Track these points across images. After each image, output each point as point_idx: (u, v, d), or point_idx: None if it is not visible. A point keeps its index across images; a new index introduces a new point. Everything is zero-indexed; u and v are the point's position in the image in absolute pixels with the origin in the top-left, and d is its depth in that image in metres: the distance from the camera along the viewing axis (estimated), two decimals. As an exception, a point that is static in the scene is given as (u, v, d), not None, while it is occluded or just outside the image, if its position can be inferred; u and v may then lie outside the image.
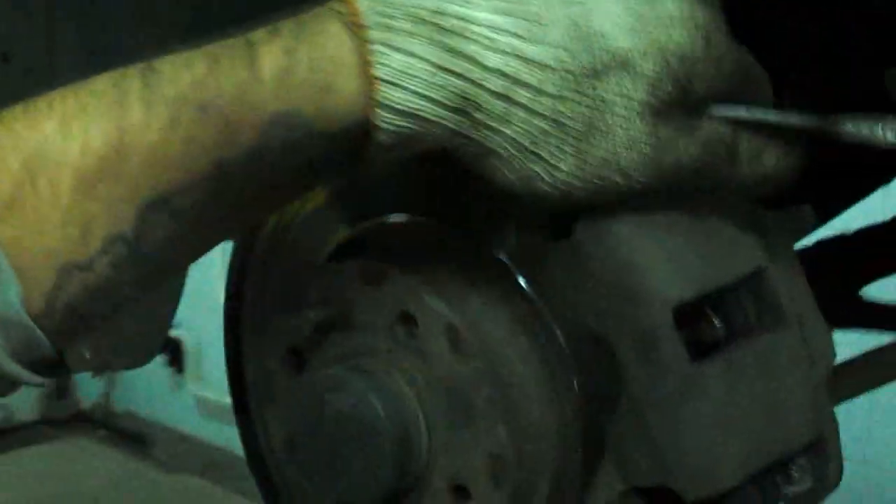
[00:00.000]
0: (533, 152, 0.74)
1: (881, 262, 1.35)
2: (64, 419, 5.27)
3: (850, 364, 1.26)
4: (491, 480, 0.88)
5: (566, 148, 0.74)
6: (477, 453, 0.88)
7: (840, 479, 0.91)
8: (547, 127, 0.74)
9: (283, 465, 1.03)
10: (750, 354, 0.84)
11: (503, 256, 0.88)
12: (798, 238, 0.95)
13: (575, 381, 0.86)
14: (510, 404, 0.86)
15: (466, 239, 0.92)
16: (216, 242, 0.82)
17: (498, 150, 0.75)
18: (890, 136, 0.77)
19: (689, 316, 0.84)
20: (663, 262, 0.81)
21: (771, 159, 0.82)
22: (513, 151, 0.75)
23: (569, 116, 0.74)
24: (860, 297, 1.37)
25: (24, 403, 5.09)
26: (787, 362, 0.86)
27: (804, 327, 0.88)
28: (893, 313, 1.33)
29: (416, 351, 0.90)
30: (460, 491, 0.90)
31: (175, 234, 0.75)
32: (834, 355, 0.91)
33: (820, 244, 1.42)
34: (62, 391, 5.34)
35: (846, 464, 0.90)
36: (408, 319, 0.91)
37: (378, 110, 0.73)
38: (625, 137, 0.74)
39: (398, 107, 0.73)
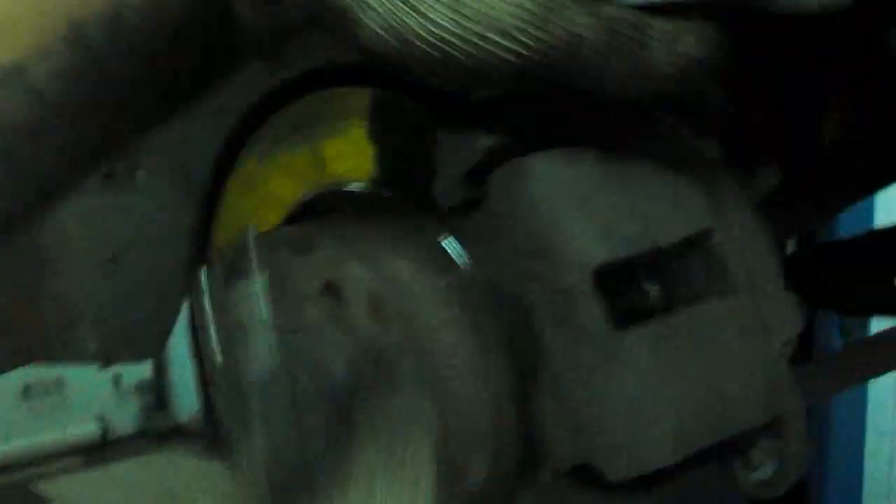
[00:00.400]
0: (412, 4, 0.65)
1: None
2: (162, 432, 5.40)
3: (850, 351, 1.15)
4: None
5: (443, 4, 0.65)
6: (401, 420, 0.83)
7: (803, 467, 0.82)
8: None
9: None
10: (688, 323, 0.76)
11: (427, 221, 0.83)
12: (758, 199, 0.86)
13: (504, 353, 0.79)
14: (436, 377, 0.81)
15: (398, 205, 0.87)
16: (94, 156, 0.71)
17: (373, 5, 0.65)
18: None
19: (618, 280, 0.76)
20: (585, 219, 0.74)
21: (689, 43, 0.70)
22: (389, 5, 0.65)
23: None
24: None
25: (122, 417, 5.23)
26: (736, 333, 0.78)
27: (760, 295, 0.80)
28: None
29: (342, 322, 0.85)
30: None
31: (35, 121, 0.66)
32: (799, 327, 0.82)
33: (870, 234, 1.39)
34: (161, 403, 5.43)
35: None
36: (333, 289, 0.86)
37: None
38: None
39: None
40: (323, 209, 0.94)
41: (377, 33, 0.66)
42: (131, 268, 1.42)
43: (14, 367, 1.42)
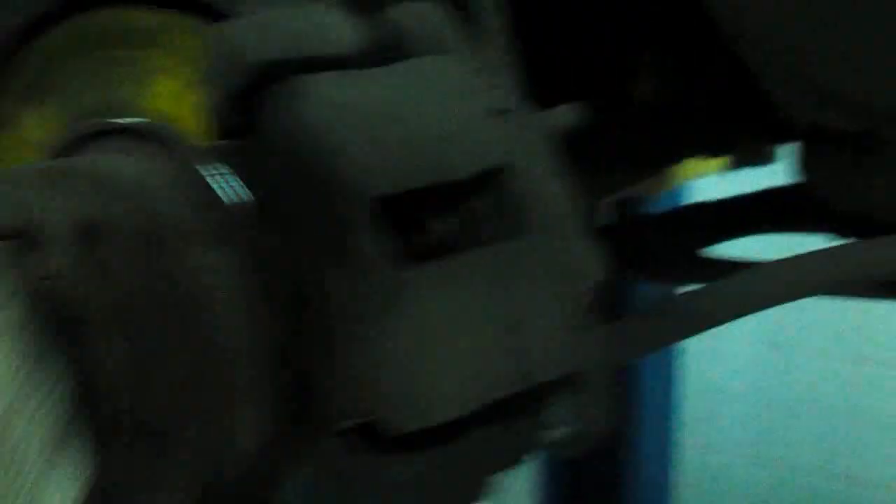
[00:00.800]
0: None
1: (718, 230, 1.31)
2: None
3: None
4: None
5: None
6: None
7: (608, 425, 0.77)
8: None
9: None
10: (480, 263, 0.70)
11: (199, 151, 0.74)
12: (555, 138, 0.81)
13: (275, 298, 0.71)
14: (192, 320, 0.72)
15: (167, 136, 0.78)
16: None
17: None
18: None
19: (405, 216, 0.70)
20: (365, 146, 0.66)
21: None
22: None
23: None
24: (698, 255, 1.28)
25: None
26: (528, 275, 0.72)
27: (558, 237, 0.74)
28: (727, 266, 1.21)
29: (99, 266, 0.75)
30: None
31: None
32: (600, 276, 0.77)
33: (682, 209, 1.41)
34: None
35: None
36: (91, 230, 0.76)
37: None
38: None
39: None
40: (88, 146, 0.83)
41: None
42: None
43: None
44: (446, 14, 0.74)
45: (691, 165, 1.40)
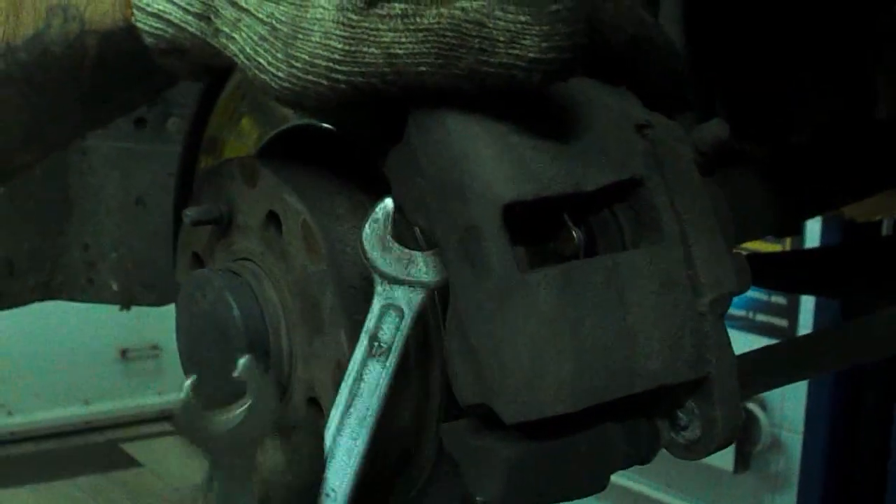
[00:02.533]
0: (257, 61, 0.72)
1: None
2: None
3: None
4: (334, 389, 0.82)
5: (279, 54, 0.71)
6: (325, 362, 0.83)
7: (734, 431, 0.78)
8: (265, 33, 0.72)
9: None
10: (605, 269, 0.73)
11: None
12: (706, 148, 0.83)
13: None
14: (352, 308, 0.80)
15: (346, 145, 0.87)
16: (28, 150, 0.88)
17: (236, 59, 0.74)
18: None
19: (540, 223, 0.75)
20: (497, 156, 0.72)
21: (534, 41, 0.67)
22: (244, 60, 0.73)
23: (281, 20, 0.71)
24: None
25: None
26: (657, 284, 0.75)
27: (691, 248, 0.77)
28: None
29: (280, 253, 0.86)
30: (313, 403, 0.85)
31: None
32: (735, 287, 0.79)
33: None
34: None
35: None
36: (275, 219, 0.87)
37: (135, 11, 0.78)
38: (320, 34, 0.69)
39: (148, 9, 0.77)
40: (277, 145, 0.95)
41: (255, 83, 0.75)
42: (156, 212, 1.45)
43: (34, 300, 1.47)
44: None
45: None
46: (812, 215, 1.21)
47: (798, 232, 1.18)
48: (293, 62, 0.70)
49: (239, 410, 0.76)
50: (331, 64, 0.69)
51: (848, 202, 1.28)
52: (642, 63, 0.80)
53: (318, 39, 0.69)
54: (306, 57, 0.70)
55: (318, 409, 0.84)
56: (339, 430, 0.76)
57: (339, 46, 0.69)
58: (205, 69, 0.79)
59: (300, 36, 0.70)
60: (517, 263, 0.71)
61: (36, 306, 1.50)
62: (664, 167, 0.77)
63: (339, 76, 0.69)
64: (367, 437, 0.76)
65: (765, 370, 0.98)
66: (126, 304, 1.51)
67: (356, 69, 0.69)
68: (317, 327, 0.82)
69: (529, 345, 0.70)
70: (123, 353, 5.66)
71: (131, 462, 5.36)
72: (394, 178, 0.76)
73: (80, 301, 1.51)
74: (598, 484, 0.75)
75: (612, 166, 0.75)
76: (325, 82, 0.70)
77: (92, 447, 5.49)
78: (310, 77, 0.70)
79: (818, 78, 1.23)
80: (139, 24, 0.78)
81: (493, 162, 0.71)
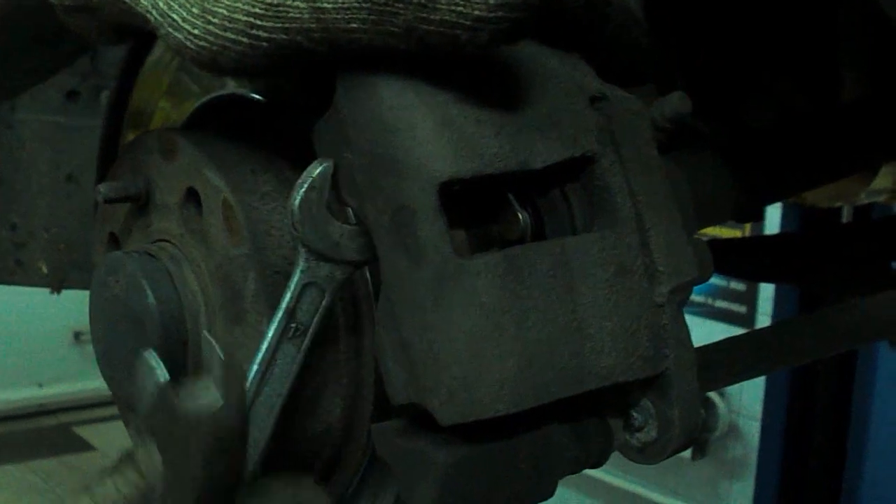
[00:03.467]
0: (170, 17, 0.65)
1: None
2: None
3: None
4: None
5: (194, 9, 0.64)
6: (248, 353, 0.75)
7: (692, 432, 0.72)
8: None
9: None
10: (552, 254, 0.66)
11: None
12: (665, 124, 0.76)
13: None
14: (276, 295, 0.73)
15: (276, 118, 0.80)
16: None
17: (148, 16, 0.67)
18: None
19: (477, 201, 0.68)
20: (435, 129, 0.64)
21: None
22: (156, 16, 0.66)
23: None
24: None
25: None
26: (611, 272, 0.68)
27: (648, 233, 0.71)
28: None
29: (200, 234, 0.79)
30: None
31: None
32: (694, 275, 0.73)
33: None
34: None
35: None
36: (195, 197, 0.79)
37: None
38: None
39: None
40: (206, 116, 0.87)
41: (168, 42, 0.67)
42: (89, 190, 1.37)
43: (-41, 284, 1.39)
44: None
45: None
46: (774, 200, 1.15)
47: (760, 217, 1.12)
48: (210, 17, 0.63)
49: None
50: (251, 19, 0.62)
51: (811, 187, 1.23)
52: (598, 28, 0.73)
53: None
54: (224, 11, 0.63)
55: None
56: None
57: (262, 1, 0.62)
58: (116, 30, 0.71)
59: None
60: (455, 248, 0.65)
61: (-11, 288, 1.42)
62: (619, 144, 0.71)
63: (261, 32, 0.62)
64: (272, 426, 0.70)
65: (725, 364, 0.93)
66: (57, 288, 1.43)
67: (279, 25, 0.62)
68: (238, 316, 0.75)
69: (468, 339, 0.63)
70: (77, 335, 5.56)
71: (85, 446, 5.27)
72: (320, 152, 0.68)
73: (8, 284, 1.43)
74: (545, 490, 0.69)
75: (563, 142, 0.69)
76: (244, 39, 0.63)
77: (45, 430, 5.40)
78: (228, 34, 0.63)
79: (780, 59, 1.18)
80: None
81: (429, 135, 0.64)
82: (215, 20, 0.63)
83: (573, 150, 0.69)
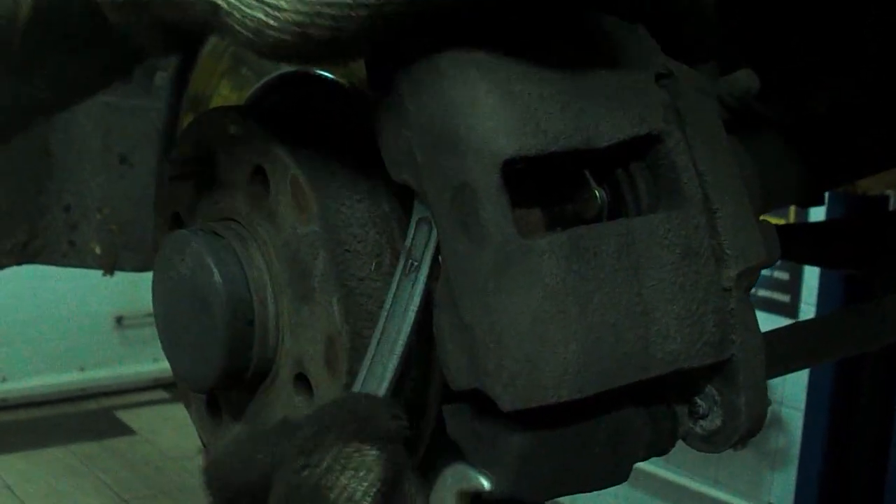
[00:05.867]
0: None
1: None
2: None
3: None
4: (326, 367, 0.74)
5: None
6: (315, 334, 0.75)
7: (759, 420, 0.70)
8: None
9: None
10: (618, 236, 0.65)
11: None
12: (734, 104, 0.75)
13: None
14: (346, 276, 0.73)
15: (340, 99, 0.80)
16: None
17: (218, 1, 0.62)
18: None
19: (550, 179, 0.67)
20: (498, 105, 0.62)
21: None
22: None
23: None
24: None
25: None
26: (676, 254, 0.67)
27: (716, 214, 0.69)
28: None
29: (268, 212, 0.78)
30: (301, 381, 0.77)
31: None
32: (763, 258, 0.71)
33: None
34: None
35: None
36: (262, 175, 0.79)
37: None
38: None
39: None
40: (270, 95, 0.87)
41: (239, 31, 0.63)
42: (143, 171, 1.37)
43: (10, 264, 1.39)
44: None
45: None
46: (836, 185, 1.14)
47: (822, 202, 1.10)
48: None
49: None
50: None
51: (872, 172, 1.21)
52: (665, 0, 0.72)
53: None
54: None
55: (306, 387, 0.77)
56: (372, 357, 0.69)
57: None
58: (167, 31, 0.68)
59: None
60: (529, 228, 0.63)
61: (31, 272, 1.42)
62: (686, 123, 0.69)
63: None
64: (396, 363, 0.69)
65: (786, 353, 0.91)
66: (109, 270, 1.44)
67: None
68: (306, 294, 0.75)
69: (531, 322, 0.61)
70: (119, 319, 5.60)
71: (126, 430, 5.32)
72: (379, 129, 0.67)
73: (60, 265, 1.43)
74: (621, 474, 0.68)
75: (629, 119, 0.67)
76: (350, 2, 0.58)
77: (86, 414, 5.46)
78: (325, 10, 0.59)
79: (842, 50, 1.16)
80: None
81: (492, 111, 0.62)
82: None
83: (639, 128, 0.68)
